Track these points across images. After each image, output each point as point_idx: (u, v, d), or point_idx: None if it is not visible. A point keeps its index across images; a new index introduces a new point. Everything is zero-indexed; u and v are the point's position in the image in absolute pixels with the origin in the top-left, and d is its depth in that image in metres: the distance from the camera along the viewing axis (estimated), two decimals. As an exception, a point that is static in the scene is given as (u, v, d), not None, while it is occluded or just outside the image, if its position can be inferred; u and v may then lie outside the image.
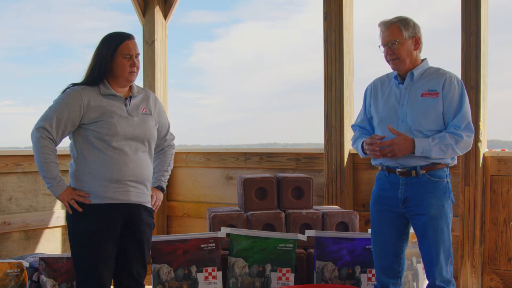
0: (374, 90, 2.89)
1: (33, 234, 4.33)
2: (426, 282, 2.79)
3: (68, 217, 2.63)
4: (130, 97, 2.68)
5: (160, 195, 2.86)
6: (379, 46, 2.79)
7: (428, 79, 2.72)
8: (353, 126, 3.05)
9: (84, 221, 2.58)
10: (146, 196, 2.70)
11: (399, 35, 2.70)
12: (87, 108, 2.56)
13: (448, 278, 2.69)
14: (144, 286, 2.78)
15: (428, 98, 2.68)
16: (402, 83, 2.77)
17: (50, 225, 4.41)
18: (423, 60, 2.79)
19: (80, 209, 2.57)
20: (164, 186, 2.89)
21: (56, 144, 2.59)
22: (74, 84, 2.63)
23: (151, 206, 2.76)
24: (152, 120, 2.72)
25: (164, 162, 2.89)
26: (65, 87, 2.63)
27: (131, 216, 2.64)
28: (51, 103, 2.61)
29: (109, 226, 2.59)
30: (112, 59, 2.60)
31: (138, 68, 2.67)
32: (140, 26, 5.32)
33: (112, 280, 2.72)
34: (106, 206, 2.58)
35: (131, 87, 2.71)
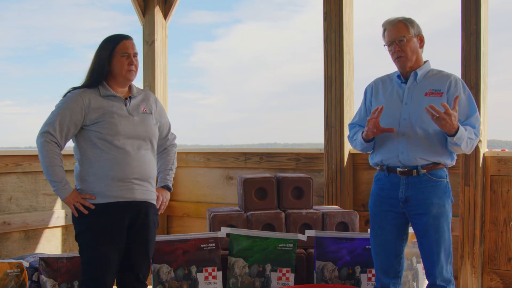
0: (375, 89, 2.90)
1: (33, 234, 4.33)
2: (426, 282, 2.79)
3: (74, 217, 2.65)
4: (130, 97, 2.72)
5: (167, 195, 2.91)
6: (384, 45, 2.80)
7: (432, 80, 2.74)
8: (350, 125, 3.03)
9: (91, 221, 2.60)
10: (151, 193, 2.73)
11: (406, 32, 2.73)
12: (88, 110, 2.61)
13: (449, 277, 2.71)
14: (146, 285, 2.79)
15: (432, 97, 2.69)
16: (405, 83, 2.78)
17: (50, 225, 4.41)
18: (425, 61, 2.81)
19: (85, 211, 2.59)
20: (170, 185, 2.93)
21: (61, 148, 2.64)
22: (74, 88, 2.69)
23: (155, 204, 2.78)
24: (153, 119, 2.77)
25: (168, 162, 2.93)
26: (65, 92, 2.69)
27: (137, 214, 2.67)
28: (53, 108, 2.66)
29: (116, 224, 2.62)
30: (111, 59, 2.66)
31: (136, 67, 2.72)
32: (140, 26, 5.32)
33: (116, 279, 2.74)
34: (112, 204, 2.61)
35: (130, 88, 2.76)
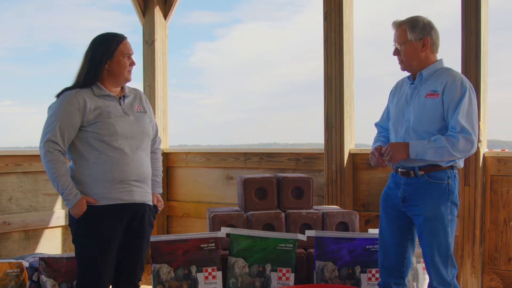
0: (395, 90, 2.92)
1: (33, 234, 4.33)
2: (427, 282, 2.79)
3: (72, 219, 2.61)
4: (124, 96, 2.68)
5: (159, 196, 2.87)
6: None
7: (435, 80, 2.69)
8: (375, 125, 3.06)
9: (90, 223, 2.56)
10: (148, 195, 2.72)
11: (404, 37, 2.70)
12: (84, 111, 2.55)
13: (448, 280, 2.64)
14: (139, 286, 2.78)
15: (429, 99, 2.67)
16: (413, 84, 2.78)
17: (50, 225, 4.41)
18: (437, 61, 2.73)
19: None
20: (160, 192, 2.90)
21: (65, 153, 2.58)
22: (67, 89, 2.61)
23: (153, 204, 2.76)
24: (147, 118, 2.73)
25: (156, 169, 2.86)
26: (58, 93, 2.62)
27: (135, 216, 2.65)
28: (49, 112, 2.59)
29: (115, 227, 2.59)
30: (111, 58, 2.60)
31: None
32: (140, 26, 5.32)
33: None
34: (111, 207, 2.57)
35: (122, 87, 2.71)
